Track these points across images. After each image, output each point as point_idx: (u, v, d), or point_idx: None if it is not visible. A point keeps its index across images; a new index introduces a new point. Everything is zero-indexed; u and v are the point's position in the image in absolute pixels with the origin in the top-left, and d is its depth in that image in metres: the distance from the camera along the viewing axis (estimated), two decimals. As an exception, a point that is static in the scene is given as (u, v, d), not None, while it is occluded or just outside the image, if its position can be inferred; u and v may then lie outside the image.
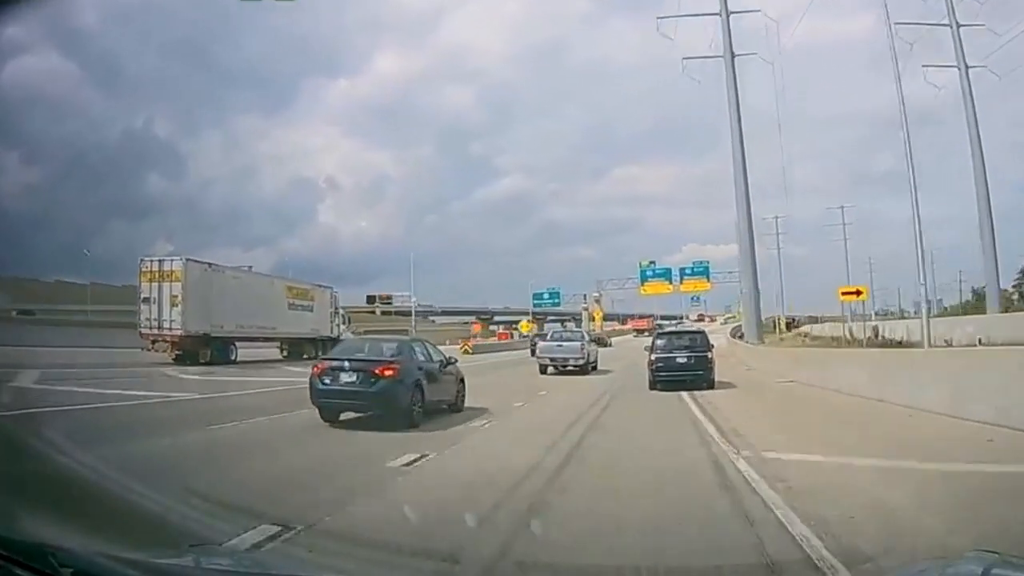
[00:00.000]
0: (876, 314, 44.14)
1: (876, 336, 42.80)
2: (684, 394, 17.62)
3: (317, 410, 12.41)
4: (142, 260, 28.57)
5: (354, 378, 12.08)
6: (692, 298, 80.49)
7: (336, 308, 39.27)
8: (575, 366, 26.99)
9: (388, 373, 12.07)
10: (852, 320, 44.16)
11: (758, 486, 7.22)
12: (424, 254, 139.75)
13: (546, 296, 72.70)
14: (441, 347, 17.37)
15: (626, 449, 10.45)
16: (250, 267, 34.62)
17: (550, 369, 26.99)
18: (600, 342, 46.31)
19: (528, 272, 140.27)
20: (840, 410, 14.40)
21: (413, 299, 70.49)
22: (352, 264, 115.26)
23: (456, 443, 10.79)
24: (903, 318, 55.52)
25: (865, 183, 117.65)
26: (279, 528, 5.40)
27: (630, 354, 35.76)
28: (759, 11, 42.15)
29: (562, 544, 5.57)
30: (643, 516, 6.33)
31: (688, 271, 63.24)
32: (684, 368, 19.92)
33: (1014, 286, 51.77)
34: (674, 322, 76.60)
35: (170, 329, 27.21)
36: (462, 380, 15.06)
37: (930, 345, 26.41)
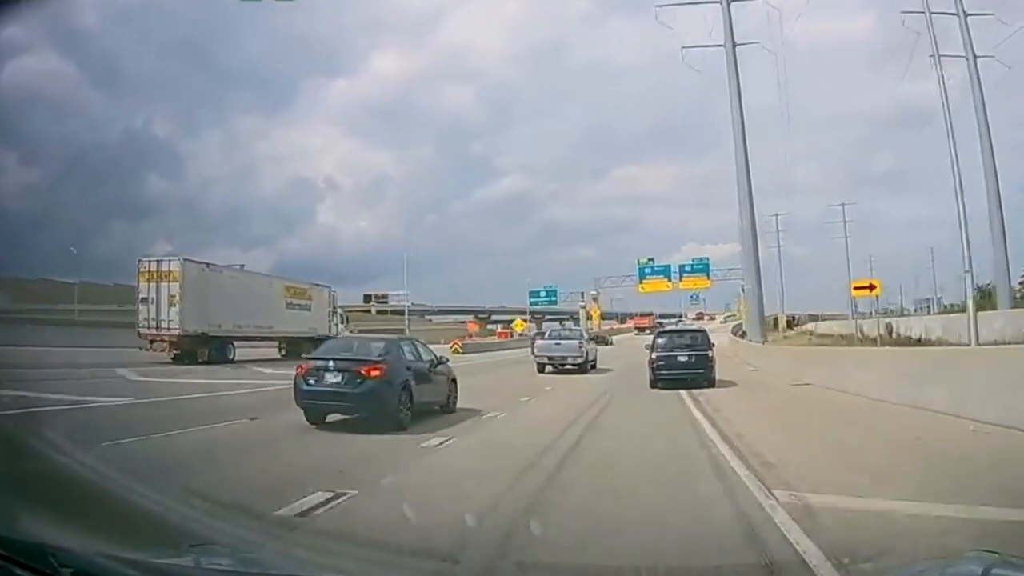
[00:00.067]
0: (877, 312, 43.53)
1: (890, 334, 41.06)
2: (688, 401, 16.39)
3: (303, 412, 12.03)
4: (140, 260, 28.66)
5: (339, 378, 11.74)
6: (691, 296, 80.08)
7: (334, 307, 39.31)
8: (573, 365, 26.90)
9: (374, 373, 11.73)
10: (853, 318, 43.74)
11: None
12: (424, 254, 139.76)
13: (543, 295, 71.12)
14: (432, 346, 17.05)
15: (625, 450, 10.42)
16: (242, 265, 34.51)
17: (548, 368, 26.86)
18: (601, 341, 46.23)
19: (528, 272, 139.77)
20: (885, 422, 11.97)
21: (407, 298, 70.41)
22: (352, 264, 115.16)
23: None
24: (904, 316, 55.35)
25: (865, 183, 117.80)
26: None
27: (630, 352, 35.67)
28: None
29: (562, 544, 5.57)
30: (643, 516, 6.35)
31: (687, 268, 61.75)
32: (685, 367, 20.02)
33: (1020, 283, 51.24)
34: (674, 320, 76.61)
35: (168, 329, 27.30)
36: (454, 380, 14.75)
37: (978, 342, 24.49)
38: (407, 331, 46.30)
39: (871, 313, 44.41)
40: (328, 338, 30.88)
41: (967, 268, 27.72)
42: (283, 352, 33.96)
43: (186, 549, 3.82)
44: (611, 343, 59.65)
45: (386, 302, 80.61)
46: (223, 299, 29.23)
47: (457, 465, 9.15)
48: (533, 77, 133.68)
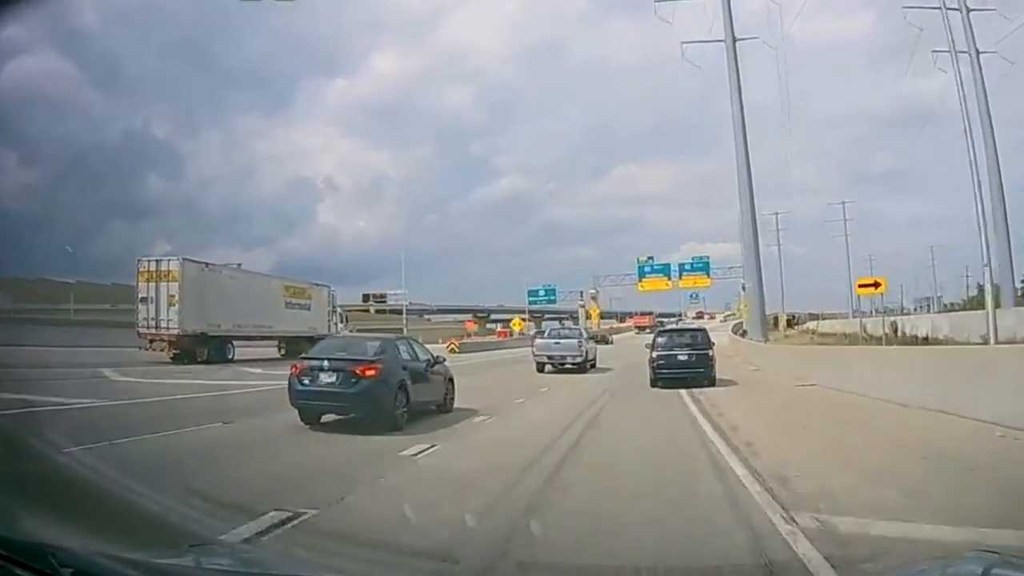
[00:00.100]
0: (877, 311, 43.23)
1: (895, 333, 39.88)
2: (690, 403, 15.82)
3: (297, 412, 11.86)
4: (139, 260, 28.69)
5: (334, 378, 11.55)
6: (691, 295, 79.94)
7: (334, 307, 39.35)
8: (573, 364, 26.82)
9: (370, 373, 11.54)
10: (854, 317, 43.51)
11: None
12: (423, 254, 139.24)
13: (542, 293, 70.47)
14: (429, 345, 16.80)
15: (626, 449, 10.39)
16: (239, 264, 34.52)
17: (548, 367, 26.77)
18: (601, 340, 46.08)
19: (527, 272, 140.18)
20: (905, 427, 11.20)
21: (405, 297, 70.36)
22: (352, 264, 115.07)
23: (434, 448, 10.58)
24: (904, 314, 55.23)
25: (864, 182, 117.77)
26: None
27: (631, 352, 35.63)
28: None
29: (562, 544, 5.57)
30: (643, 516, 6.35)
31: (687, 267, 61.34)
32: (685, 366, 20.09)
33: (1023, 282, 50.79)
34: (674, 320, 76.59)
35: (167, 328, 27.34)
36: (451, 380, 14.59)
37: (996, 341, 23.83)
38: (405, 330, 46.21)
39: (871, 312, 44.15)
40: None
41: (986, 262, 27.19)
42: (283, 352, 33.97)
43: (186, 549, 3.82)
44: (611, 342, 59.54)
45: (384, 301, 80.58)
46: (222, 299, 29.27)
47: (434, 480, 8.20)
48: (532, 77, 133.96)
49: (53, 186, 61.09)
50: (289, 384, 11.92)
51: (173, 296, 27.42)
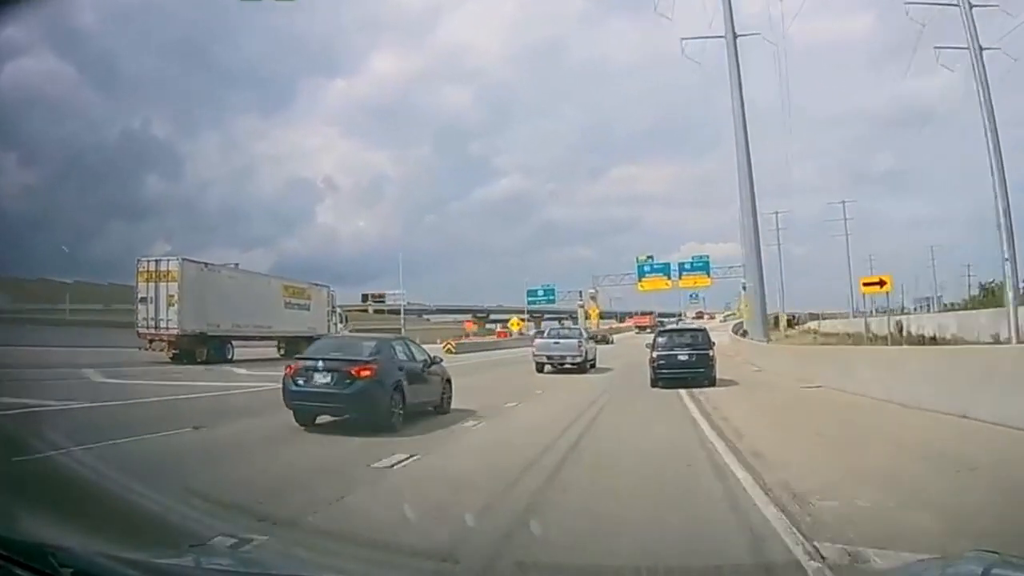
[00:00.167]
0: (878, 311, 43.03)
1: (900, 332, 39.13)
2: (692, 408, 14.93)
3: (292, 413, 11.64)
4: (139, 260, 28.74)
5: (329, 379, 11.35)
6: (690, 295, 79.92)
7: (333, 307, 39.35)
8: (573, 364, 26.68)
9: (365, 373, 11.34)
10: (855, 316, 43.23)
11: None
12: (423, 254, 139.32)
13: (540, 293, 70.12)
14: (426, 346, 16.46)
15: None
16: (236, 264, 34.55)
17: (547, 367, 26.65)
18: (601, 340, 45.91)
19: (526, 272, 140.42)
20: (934, 436, 10.20)
21: (403, 297, 70.38)
22: (351, 264, 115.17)
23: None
24: (905, 314, 55.12)
25: (864, 182, 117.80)
26: None
27: (631, 351, 35.54)
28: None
29: (562, 544, 5.57)
30: (643, 516, 6.35)
31: (687, 266, 60.90)
32: (686, 366, 20.10)
33: None
34: (674, 320, 76.62)
35: (167, 328, 27.37)
36: (448, 380, 14.36)
37: (1017, 339, 23.51)
38: (403, 331, 46.18)
39: (872, 312, 44.05)
40: (326, 338, 30.83)
41: (1007, 256, 26.22)
42: (282, 352, 33.92)
43: (186, 549, 3.83)
44: (612, 342, 59.48)
45: (383, 301, 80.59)
46: (222, 299, 29.30)
47: (406, 498, 6.93)
48: (531, 77, 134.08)
49: (52, 186, 61.20)
50: (283, 385, 11.74)
51: (172, 296, 27.44)
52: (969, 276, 61.79)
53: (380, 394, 11.50)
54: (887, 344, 31.71)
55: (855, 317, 61.93)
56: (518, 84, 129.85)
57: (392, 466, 8.61)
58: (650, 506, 6.71)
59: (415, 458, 9.11)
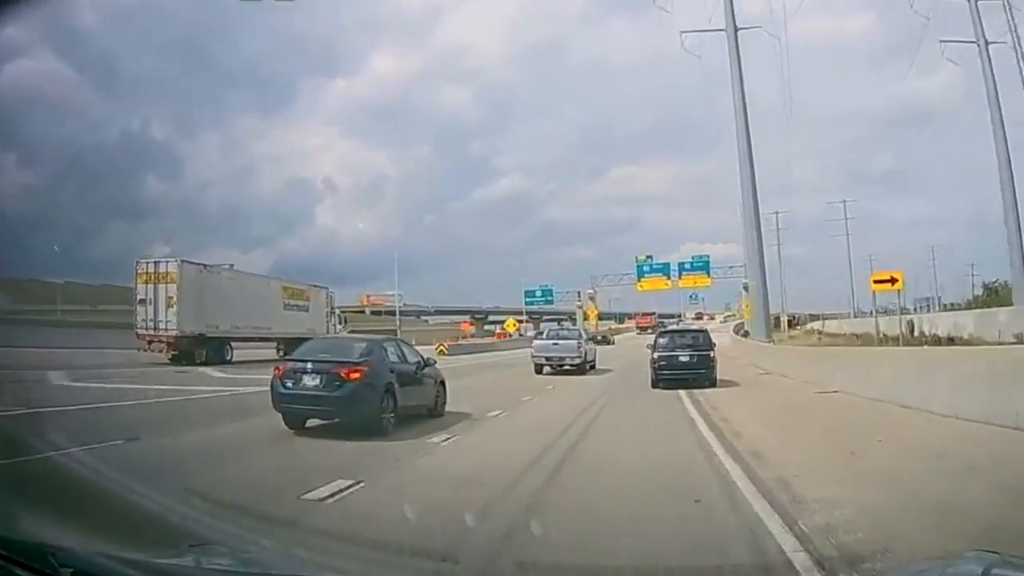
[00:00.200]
0: (878, 311, 42.76)
1: (912, 332, 37.45)
2: (700, 422, 12.94)
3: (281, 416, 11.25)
4: (138, 262, 28.84)
5: (317, 381, 11.02)
6: (690, 296, 79.68)
7: (332, 308, 39.40)
8: (572, 365, 26.57)
9: (355, 376, 11.02)
10: (855, 316, 42.84)
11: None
12: (423, 254, 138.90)
13: (538, 294, 69.25)
14: (418, 347, 15.78)
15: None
16: (231, 265, 34.48)
17: (546, 369, 26.55)
18: (602, 340, 45.74)
19: (526, 272, 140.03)
20: (998, 457, 8.44)
21: (399, 298, 70.40)
22: (351, 265, 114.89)
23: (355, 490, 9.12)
24: (904, 313, 54.87)
25: (864, 182, 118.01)
26: None
27: (632, 352, 35.44)
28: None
29: (562, 544, 5.57)
30: (643, 517, 6.34)
31: (687, 266, 60.06)
32: (687, 367, 20.19)
33: None
34: (674, 320, 76.55)
35: (166, 330, 27.45)
36: (442, 383, 14.04)
37: None
38: (398, 332, 46.16)
39: (872, 312, 43.80)
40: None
41: None
42: (281, 353, 33.92)
43: (186, 549, 3.82)
44: (612, 342, 59.43)
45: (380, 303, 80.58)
46: (220, 300, 29.37)
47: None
48: (531, 77, 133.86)
49: (52, 187, 61.14)
50: (272, 387, 11.40)
51: (171, 298, 27.50)
52: (973, 276, 61.30)
53: (370, 397, 11.19)
54: (899, 345, 30.42)
55: (856, 317, 61.95)
56: (518, 84, 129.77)
57: (323, 500, 6.83)
58: (651, 507, 6.71)
59: (361, 485, 7.41)
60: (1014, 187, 37.77)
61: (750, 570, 5.08)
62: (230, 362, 29.01)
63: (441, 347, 42.31)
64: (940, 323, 38.65)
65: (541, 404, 17.24)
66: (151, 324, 27.55)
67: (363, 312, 77.91)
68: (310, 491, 7.04)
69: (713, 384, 19.66)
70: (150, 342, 27.59)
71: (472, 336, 71.47)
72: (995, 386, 10.75)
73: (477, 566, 5.09)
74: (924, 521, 5.75)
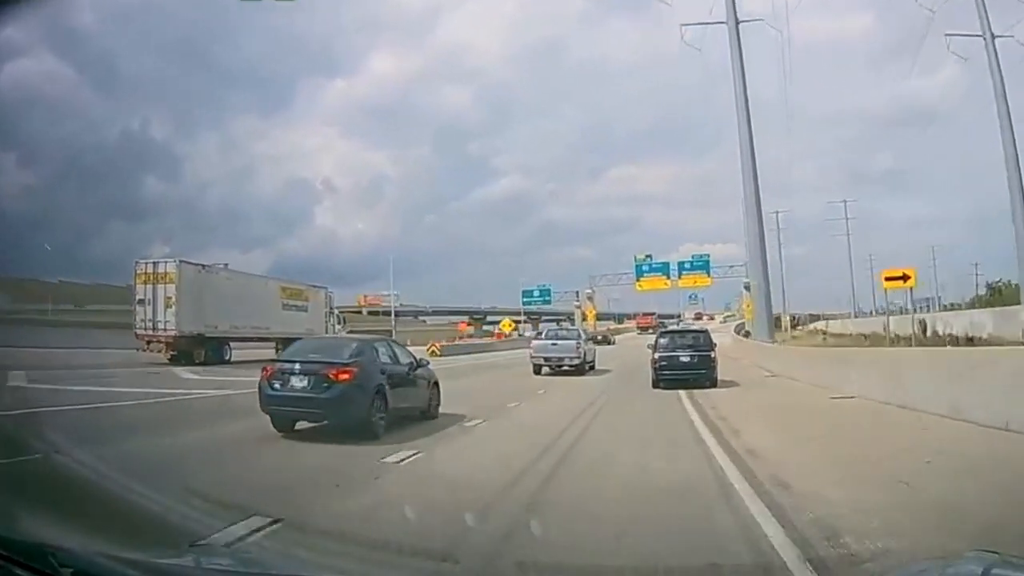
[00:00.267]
0: (877, 311, 42.62)
1: (924, 332, 35.92)
2: (709, 440, 10.77)
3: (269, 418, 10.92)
4: (137, 262, 28.87)
5: (306, 382, 10.75)
6: (689, 296, 79.57)
7: (331, 308, 39.47)
8: (571, 366, 26.43)
9: (344, 377, 10.75)
10: (856, 316, 42.47)
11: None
12: (422, 254, 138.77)
13: (536, 294, 69.26)
14: (411, 348, 15.50)
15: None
16: (226, 264, 34.44)
17: (545, 369, 26.44)
18: (603, 340, 45.52)
19: (525, 272, 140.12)
20: None
21: (395, 298, 70.40)
22: (350, 265, 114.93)
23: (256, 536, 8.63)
24: (904, 313, 54.75)
25: (864, 182, 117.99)
26: None
27: (632, 352, 35.40)
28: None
29: (562, 544, 5.57)
30: (643, 517, 6.34)
31: (687, 265, 59.91)
32: (687, 367, 20.26)
33: None
34: (673, 321, 76.57)
35: (164, 330, 27.46)
36: (436, 384, 13.80)
37: None
38: (393, 332, 46.13)
39: (873, 312, 43.73)
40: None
41: None
42: (280, 353, 33.96)
43: (186, 549, 3.83)
44: (613, 343, 59.37)
45: (378, 303, 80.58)
46: (219, 300, 29.39)
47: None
48: (531, 77, 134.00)
49: (51, 187, 61.16)
50: (259, 388, 11.10)
51: (170, 298, 27.50)
52: (977, 275, 60.49)
53: (360, 399, 10.91)
54: (911, 345, 29.20)
55: (857, 317, 61.96)
56: (518, 84, 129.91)
57: (229, 545, 4.91)
58: (650, 507, 6.70)
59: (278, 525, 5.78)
60: (1022, 183, 36.74)
61: (750, 570, 5.08)
62: (229, 362, 29.05)
63: (433, 348, 40.89)
64: (955, 322, 37.24)
65: (535, 407, 16.86)
66: (150, 324, 27.57)
67: (360, 312, 77.92)
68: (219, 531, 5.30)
69: (714, 384, 19.68)
70: (149, 342, 27.60)
71: (470, 336, 71.39)
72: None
73: (477, 566, 5.09)
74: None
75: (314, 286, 38.08)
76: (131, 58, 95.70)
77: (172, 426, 11.63)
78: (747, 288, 46.94)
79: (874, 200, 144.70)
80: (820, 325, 67.95)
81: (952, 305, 57.33)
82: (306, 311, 35.98)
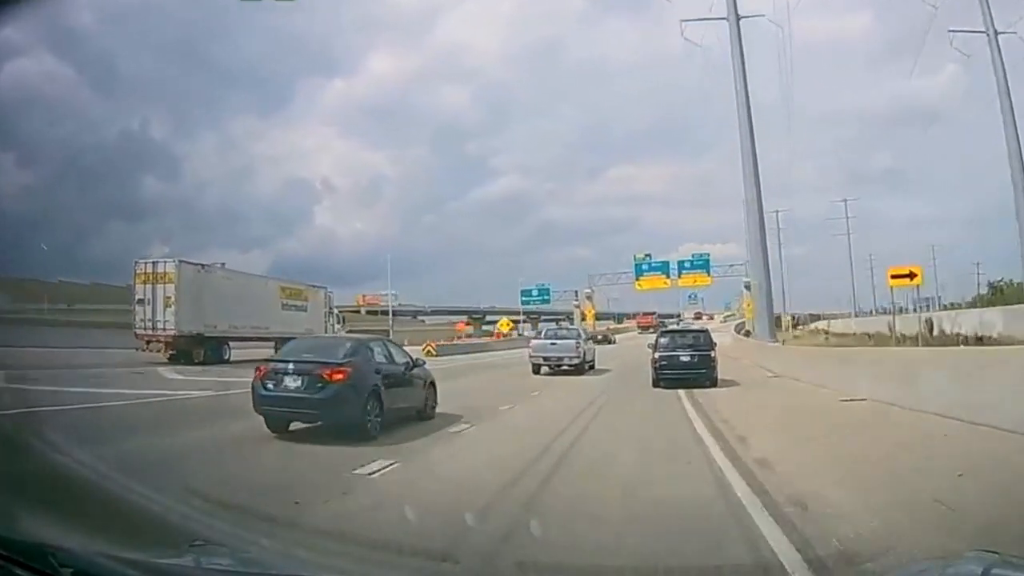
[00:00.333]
0: (878, 311, 42.51)
1: (931, 332, 35.34)
2: (718, 456, 9.29)
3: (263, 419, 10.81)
4: (136, 262, 28.89)
5: (299, 382, 10.63)
6: (689, 296, 79.34)
7: (330, 308, 39.44)
8: (570, 366, 26.36)
9: (338, 377, 10.63)
10: (857, 316, 42.21)
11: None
12: (421, 254, 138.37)
13: (535, 293, 68.70)
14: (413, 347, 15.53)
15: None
16: (223, 263, 34.43)
17: (544, 369, 26.40)
18: (603, 340, 45.38)
19: (524, 272, 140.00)
20: None
21: (392, 297, 70.44)
22: (349, 265, 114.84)
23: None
24: (903, 313, 54.72)
25: (864, 182, 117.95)
26: None
27: (632, 352, 35.34)
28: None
29: (562, 544, 5.57)
30: (643, 517, 6.34)
31: (687, 264, 59.43)
32: (688, 366, 20.33)
33: None
34: (673, 320, 76.53)
35: (164, 330, 27.48)
36: (432, 384, 13.67)
37: None
38: (391, 332, 46.14)
39: (873, 312, 43.63)
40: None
41: None
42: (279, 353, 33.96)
43: (186, 549, 3.82)
44: (614, 342, 59.32)
45: (377, 303, 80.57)
46: (218, 300, 29.41)
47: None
48: (529, 77, 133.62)
49: (50, 187, 61.06)
50: (253, 388, 11.00)
51: (169, 298, 27.53)
52: (979, 274, 60.65)
53: (354, 399, 10.80)
54: (917, 344, 28.62)
55: (857, 317, 61.94)
56: (516, 84, 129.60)
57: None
58: (650, 507, 6.70)
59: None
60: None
61: (750, 570, 5.08)
62: (228, 361, 29.07)
63: (428, 347, 38.50)
64: (964, 321, 35.77)
65: (534, 406, 16.95)
66: (149, 324, 27.59)
67: (359, 312, 77.93)
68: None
69: (714, 384, 19.74)
70: (148, 342, 27.61)
71: (469, 336, 71.33)
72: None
73: (477, 566, 5.09)
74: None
75: (313, 286, 38.08)
76: (130, 58, 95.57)
77: (171, 426, 11.59)
78: (747, 287, 46.62)
79: (874, 200, 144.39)
80: (821, 325, 67.79)
81: (952, 304, 57.22)
82: (305, 311, 35.99)
